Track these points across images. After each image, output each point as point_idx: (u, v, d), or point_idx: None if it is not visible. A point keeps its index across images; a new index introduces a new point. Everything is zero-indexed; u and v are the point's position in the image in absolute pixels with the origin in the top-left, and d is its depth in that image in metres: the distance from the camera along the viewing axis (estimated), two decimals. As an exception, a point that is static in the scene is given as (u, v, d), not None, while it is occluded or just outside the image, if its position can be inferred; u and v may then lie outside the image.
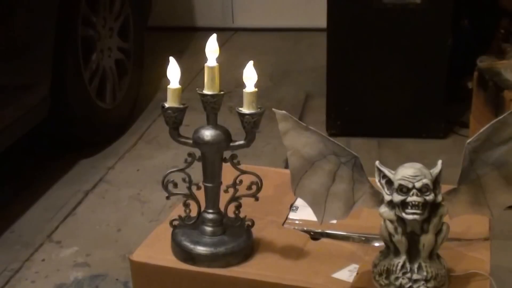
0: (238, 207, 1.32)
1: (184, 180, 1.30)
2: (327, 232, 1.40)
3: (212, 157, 1.28)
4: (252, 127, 1.24)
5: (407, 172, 1.13)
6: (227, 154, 1.30)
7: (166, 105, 1.25)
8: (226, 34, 4.17)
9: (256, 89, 1.23)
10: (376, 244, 1.34)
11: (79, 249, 2.10)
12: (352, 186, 1.19)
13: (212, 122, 1.27)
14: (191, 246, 1.30)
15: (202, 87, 1.26)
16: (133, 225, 2.24)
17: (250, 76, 1.23)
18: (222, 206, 1.32)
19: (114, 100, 2.81)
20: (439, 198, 1.14)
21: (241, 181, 1.30)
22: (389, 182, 1.15)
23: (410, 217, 1.13)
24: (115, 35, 2.81)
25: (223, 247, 1.30)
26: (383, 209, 1.16)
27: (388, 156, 2.62)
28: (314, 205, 1.23)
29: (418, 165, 1.15)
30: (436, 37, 2.69)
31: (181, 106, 1.26)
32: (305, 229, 1.41)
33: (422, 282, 1.16)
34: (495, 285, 1.23)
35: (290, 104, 3.09)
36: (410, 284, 1.16)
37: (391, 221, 1.16)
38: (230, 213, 1.32)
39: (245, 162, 1.32)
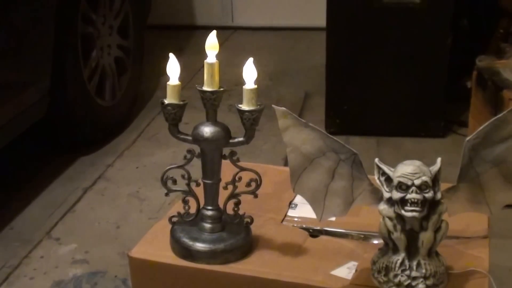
0: (237, 204, 1.32)
1: (183, 176, 1.30)
2: (326, 230, 1.40)
3: (211, 154, 1.28)
4: (251, 124, 1.25)
5: (407, 169, 1.13)
6: (226, 151, 1.30)
7: (166, 101, 1.25)
8: (226, 32, 4.16)
9: (256, 86, 1.23)
10: (375, 242, 1.34)
11: (78, 246, 2.10)
12: (351, 183, 1.19)
13: (211, 119, 1.27)
14: (190, 242, 1.30)
15: (202, 85, 1.26)
16: (132, 222, 2.24)
17: (250, 73, 1.23)
18: (221, 203, 1.33)
19: (113, 98, 2.80)
20: (438, 195, 1.14)
21: (240, 178, 1.30)
22: (388, 180, 1.15)
23: (409, 214, 1.13)
24: (114, 33, 2.81)
25: (222, 244, 1.30)
26: (382, 206, 1.16)
27: (387, 155, 2.61)
28: (313, 202, 1.23)
29: (417, 163, 1.15)
30: (436, 36, 2.69)
31: (181, 102, 1.26)
32: (304, 226, 1.41)
33: (421, 280, 1.16)
34: (493, 283, 1.23)
35: (289, 103, 3.09)
36: (409, 281, 1.16)
37: (390, 218, 1.16)
38: (229, 210, 1.32)
39: (244, 160, 1.32)
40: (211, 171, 1.30)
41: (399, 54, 2.73)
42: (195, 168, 1.30)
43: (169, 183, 1.30)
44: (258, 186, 1.30)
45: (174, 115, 1.26)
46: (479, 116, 2.44)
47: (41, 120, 2.36)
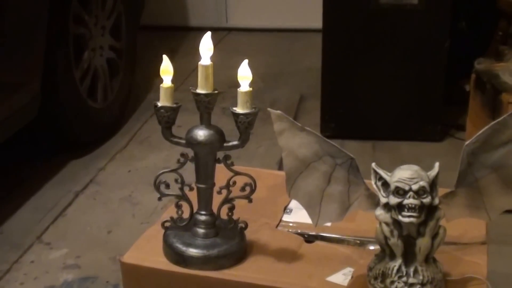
0: (231, 209, 1.30)
1: (176, 181, 1.29)
2: (321, 235, 1.38)
3: (205, 158, 1.26)
4: (246, 127, 1.23)
5: (404, 174, 1.12)
6: (220, 155, 1.28)
7: (159, 104, 1.24)
8: (220, 34, 4.16)
9: (250, 89, 1.22)
10: (372, 247, 1.33)
11: (69, 251, 2.08)
12: (347, 188, 1.18)
13: (205, 122, 1.26)
14: (183, 248, 1.28)
15: (196, 87, 1.24)
16: (124, 227, 2.22)
17: (244, 75, 1.22)
18: (215, 208, 1.31)
19: (105, 100, 2.78)
20: (436, 201, 1.13)
21: (234, 183, 1.28)
22: (385, 184, 1.14)
23: (406, 220, 1.12)
24: (107, 34, 2.79)
25: (215, 249, 1.28)
26: (379, 211, 1.15)
27: (383, 159, 2.60)
28: (309, 207, 1.22)
29: (415, 167, 1.14)
30: (434, 38, 2.68)
31: (174, 105, 1.24)
32: (299, 231, 1.40)
33: (418, 286, 1.15)
34: (491, 290, 1.22)
35: (284, 106, 3.07)
36: (406, 288, 1.15)
37: (387, 224, 1.14)
38: (223, 215, 1.31)
39: (238, 164, 1.31)
40: (204, 175, 1.28)
41: (396, 56, 2.72)
42: (189, 172, 1.28)
43: (162, 187, 1.29)
44: (252, 190, 1.28)
45: (167, 118, 1.24)
46: (477, 120, 2.43)
47: (32, 122, 2.34)
